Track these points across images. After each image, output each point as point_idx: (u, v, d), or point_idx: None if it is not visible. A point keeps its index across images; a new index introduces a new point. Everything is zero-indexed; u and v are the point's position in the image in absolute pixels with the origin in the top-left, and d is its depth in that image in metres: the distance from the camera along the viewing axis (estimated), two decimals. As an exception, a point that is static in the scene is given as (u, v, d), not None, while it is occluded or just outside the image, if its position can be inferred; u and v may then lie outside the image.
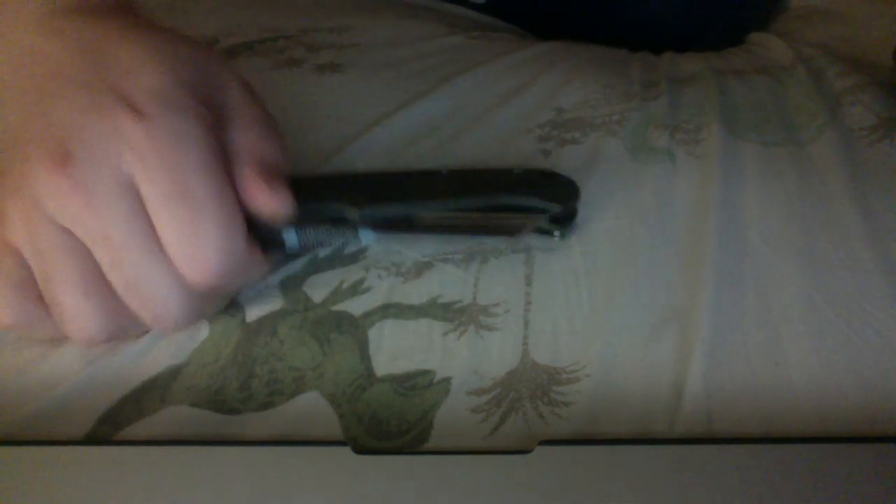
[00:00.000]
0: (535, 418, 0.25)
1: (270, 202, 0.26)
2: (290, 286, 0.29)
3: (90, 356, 0.27)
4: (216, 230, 0.25)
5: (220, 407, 0.26)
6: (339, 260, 0.31)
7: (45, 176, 0.23)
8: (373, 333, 0.28)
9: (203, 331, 0.28)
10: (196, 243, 0.24)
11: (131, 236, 0.24)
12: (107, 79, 0.24)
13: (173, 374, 0.27)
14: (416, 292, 0.29)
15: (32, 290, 0.25)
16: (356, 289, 0.29)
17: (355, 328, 0.28)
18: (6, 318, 0.26)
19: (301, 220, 0.28)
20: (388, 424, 0.25)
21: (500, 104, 0.38)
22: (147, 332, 0.28)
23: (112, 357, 0.27)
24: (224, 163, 0.26)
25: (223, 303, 0.29)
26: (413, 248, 0.31)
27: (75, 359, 0.27)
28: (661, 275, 0.29)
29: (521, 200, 0.30)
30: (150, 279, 0.25)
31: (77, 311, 0.25)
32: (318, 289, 0.29)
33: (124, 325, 0.26)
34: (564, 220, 0.30)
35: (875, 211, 0.31)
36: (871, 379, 0.26)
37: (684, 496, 0.22)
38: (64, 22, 0.26)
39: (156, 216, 0.24)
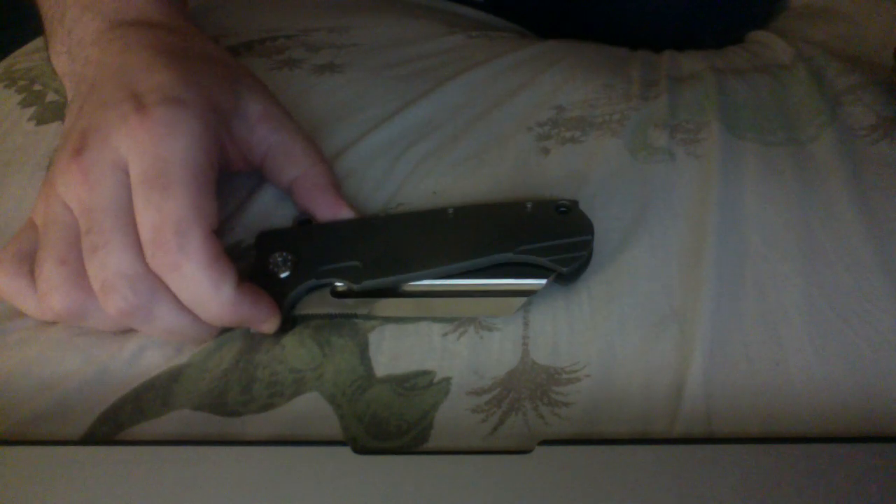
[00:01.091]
0: (535, 418, 0.25)
1: None
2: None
3: (91, 356, 0.27)
4: (179, 213, 0.25)
5: (222, 410, 0.26)
6: None
7: (63, 163, 0.26)
8: (373, 336, 0.28)
9: None
10: (159, 224, 0.25)
11: (108, 207, 0.25)
12: (126, 78, 0.27)
13: (174, 375, 0.27)
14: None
15: (29, 264, 0.27)
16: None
17: (355, 331, 0.28)
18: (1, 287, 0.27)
19: (300, 301, 0.28)
20: (388, 424, 0.25)
21: (500, 103, 0.38)
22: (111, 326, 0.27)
23: (112, 357, 0.27)
24: (216, 164, 0.27)
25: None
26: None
27: (76, 359, 0.27)
28: (660, 275, 0.29)
29: (528, 259, 0.28)
30: (111, 250, 0.25)
31: (48, 280, 0.26)
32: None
33: (86, 307, 0.26)
34: (574, 273, 0.29)
35: (875, 211, 0.31)
36: (871, 379, 0.26)
37: (684, 496, 0.22)
38: (114, 34, 0.30)
39: (134, 195, 0.25)
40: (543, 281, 0.28)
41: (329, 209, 0.30)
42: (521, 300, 0.28)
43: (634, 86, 0.39)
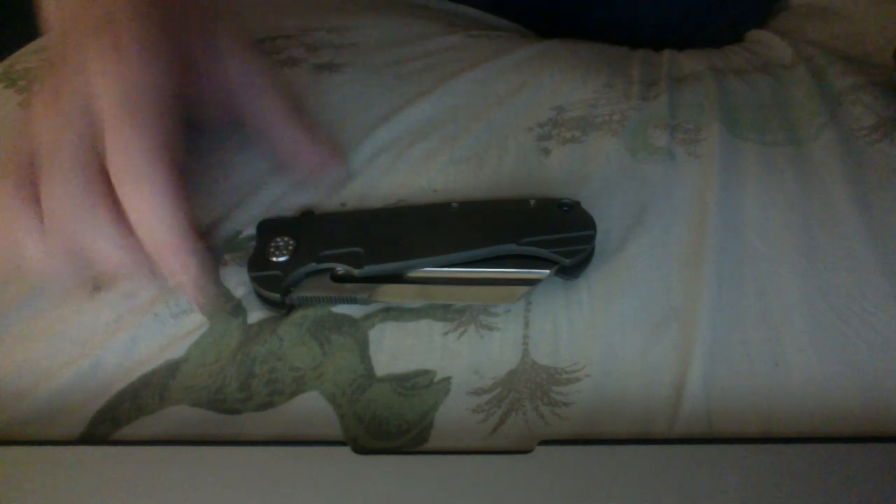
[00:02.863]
0: (535, 418, 0.25)
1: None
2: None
3: (84, 348, 0.27)
4: (147, 142, 0.26)
5: (220, 407, 0.26)
6: None
7: (40, 98, 0.28)
8: (373, 334, 0.28)
9: (201, 326, 0.28)
10: (126, 151, 0.26)
11: (70, 141, 0.26)
12: (105, 23, 0.28)
13: (171, 369, 0.27)
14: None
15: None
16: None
17: (355, 329, 0.28)
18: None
19: (300, 285, 0.28)
20: (388, 424, 0.25)
21: (500, 103, 0.38)
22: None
23: (105, 348, 0.27)
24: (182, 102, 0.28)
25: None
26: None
27: (70, 351, 0.27)
28: (661, 275, 0.29)
29: (532, 251, 0.28)
30: (64, 180, 0.26)
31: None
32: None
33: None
34: (577, 268, 0.29)
35: (875, 211, 0.31)
36: (870, 379, 0.26)
37: (684, 496, 0.22)
38: None
39: (105, 125, 0.26)
40: (546, 271, 0.28)
41: (290, 142, 0.31)
42: (525, 289, 0.28)
43: (634, 86, 0.39)
